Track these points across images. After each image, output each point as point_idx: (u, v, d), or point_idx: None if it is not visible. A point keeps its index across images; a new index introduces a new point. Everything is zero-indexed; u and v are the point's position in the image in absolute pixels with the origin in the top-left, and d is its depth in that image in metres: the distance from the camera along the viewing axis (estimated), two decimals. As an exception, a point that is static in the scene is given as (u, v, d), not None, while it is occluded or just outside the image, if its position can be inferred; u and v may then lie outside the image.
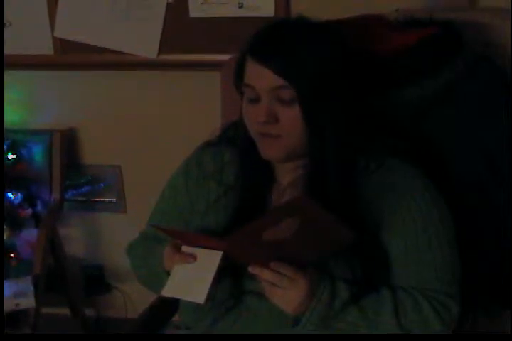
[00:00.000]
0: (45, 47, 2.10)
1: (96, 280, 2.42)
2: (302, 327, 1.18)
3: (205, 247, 1.21)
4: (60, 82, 2.20)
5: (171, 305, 1.51)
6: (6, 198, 2.16)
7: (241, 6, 1.94)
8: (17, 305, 1.95)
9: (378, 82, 1.36)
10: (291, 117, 1.21)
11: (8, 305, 1.93)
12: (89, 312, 2.47)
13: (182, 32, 1.99)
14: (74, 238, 2.39)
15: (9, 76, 2.16)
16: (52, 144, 2.18)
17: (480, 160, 1.44)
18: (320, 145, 1.22)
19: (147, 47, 2.02)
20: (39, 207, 2.22)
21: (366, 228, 1.23)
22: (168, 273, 1.26)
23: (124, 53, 2.05)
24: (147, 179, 2.16)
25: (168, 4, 1.97)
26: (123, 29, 2.03)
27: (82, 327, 2.39)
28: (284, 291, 1.16)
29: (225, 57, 1.67)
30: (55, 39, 2.09)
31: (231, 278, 1.28)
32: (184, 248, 1.24)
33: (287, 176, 1.32)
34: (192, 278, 1.20)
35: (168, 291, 1.23)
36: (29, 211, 2.20)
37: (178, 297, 1.26)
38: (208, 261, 1.20)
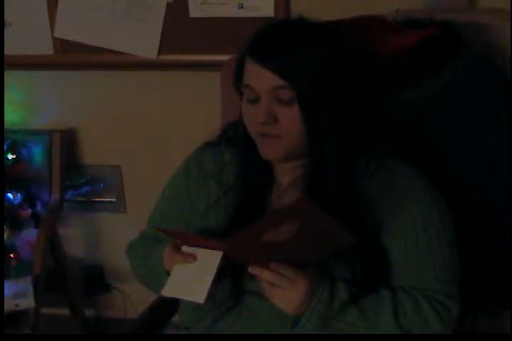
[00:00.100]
0: (45, 48, 2.10)
1: (96, 280, 2.42)
2: (302, 327, 1.19)
3: (204, 248, 1.21)
4: (60, 82, 2.20)
5: (171, 305, 1.51)
6: (5, 198, 2.16)
7: (241, 7, 1.94)
8: (17, 305, 1.95)
9: (378, 83, 1.36)
10: (291, 117, 1.21)
11: (8, 306, 1.93)
12: (88, 312, 2.47)
13: (182, 32, 1.99)
14: (74, 238, 2.39)
15: (9, 76, 2.16)
16: (52, 144, 2.18)
17: (480, 160, 1.44)
18: (319, 145, 1.22)
19: (147, 47, 2.02)
20: (39, 207, 2.22)
21: (366, 228, 1.23)
22: (168, 273, 1.26)
23: (123, 53, 2.04)
24: (147, 179, 2.17)
25: (168, 4, 1.97)
26: (123, 29, 2.03)
27: (82, 327, 2.38)
28: (283, 291, 1.16)
29: (225, 57, 1.67)
30: (55, 39, 2.09)
31: (231, 278, 1.28)
32: (184, 248, 1.24)
33: (287, 176, 1.32)
34: (192, 278, 1.20)
35: (168, 291, 1.23)
36: (29, 211, 2.20)
37: (178, 297, 1.26)
38: (208, 261, 1.20)
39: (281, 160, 1.28)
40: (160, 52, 2.02)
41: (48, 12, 2.07)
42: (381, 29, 1.46)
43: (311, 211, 1.06)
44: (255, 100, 1.23)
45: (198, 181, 1.40)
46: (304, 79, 1.18)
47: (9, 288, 1.96)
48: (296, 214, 1.08)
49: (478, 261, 1.44)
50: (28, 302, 1.97)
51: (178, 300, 1.37)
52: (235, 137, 1.38)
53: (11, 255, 2.17)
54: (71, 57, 2.10)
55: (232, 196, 1.34)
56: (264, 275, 1.15)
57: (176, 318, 1.52)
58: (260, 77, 1.20)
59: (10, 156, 2.17)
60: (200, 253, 1.21)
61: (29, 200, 2.20)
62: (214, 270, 1.19)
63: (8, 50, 2.10)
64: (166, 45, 2.01)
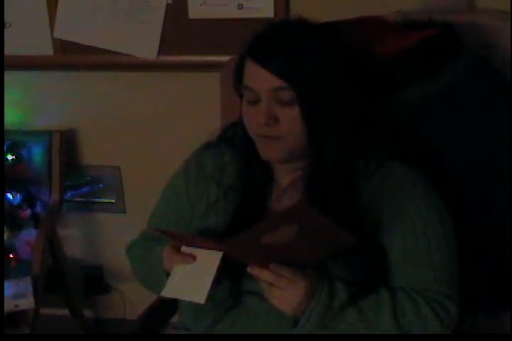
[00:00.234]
0: (44, 48, 2.10)
1: (95, 280, 2.42)
2: (301, 327, 1.19)
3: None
4: (60, 83, 2.20)
5: (171, 305, 1.51)
6: (5, 199, 2.16)
7: (240, 7, 1.94)
8: (16, 305, 1.95)
9: (378, 83, 1.36)
10: (291, 118, 1.21)
11: (8, 306, 1.93)
12: (88, 312, 2.47)
13: (181, 33, 1.99)
14: (73, 238, 2.39)
15: (9, 76, 2.16)
16: (51, 145, 2.17)
17: (480, 160, 1.45)
18: (320, 146, 1.23)
19: (146, 48, 2.02)
20: (38, 208, 2.21)
21: (365, 228, 1.23)
22: (167, 274, 1.26)
23: (123, 54, 2.04)
24: (146, 180, 2.17)
25: (167, 5, 1.97)
26: (122, 30, 2.03)
27: (81, 327, 2.38)
28: (282, 292, 1.16)
29: (225, 58, 1.67)
30: (54, 40, 2.08)
31: (231, 278, 1.28)
32: (183, 248, 1.24)
33: (287, 177, 1.32)
34: (192, 278, 1.20)
35: (168, 292, 1.23)
36: (28, 211, 2.20)
37: (178, 297, 1.26)
38: (208, 262, 1.20)
39: (282, 162, 1.28)
40: (159, 53, 2.02)
41: (47, 13, 2.06)
42: (381, 30, 1.46)
43: (310, 213, 1.06)
44: (255, 101, 1.23)
45: (198, 181, 1.40)
46: (304, 80, 1.18)
47: (9, 288, 1.96)
48: (295, 217, 1.08)
49: (478, 261, 1.44)
50: (27, 303, 1.97)
51: (177, 300, 1.37)
52: (234, 138, 1.38)
53: (11, 255, 2.16)
54: (71, 57, 2.10)
55: (232, 196, 1.34)
56: (263, 275, 1.15)
57: (175, 318, 1.52)
58: (260, 78, 1.21)
59: (10, 157, 2.17)
60: (200, 253, 1.21)
61: (29, 201, 2.20)
62: (214, 270, 1.19)
63: (8, 50, 2.10)
64: (165, 45, 2.01)
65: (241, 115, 1.28)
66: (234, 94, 1.31)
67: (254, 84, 1.22)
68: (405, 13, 1.58)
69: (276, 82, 1.19)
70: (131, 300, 2.37)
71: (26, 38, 2.11)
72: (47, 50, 2.10)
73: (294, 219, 1.08)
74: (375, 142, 1.29)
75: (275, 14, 1.91)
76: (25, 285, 1.99)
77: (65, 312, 2.35)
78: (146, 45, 2.02)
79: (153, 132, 2.19)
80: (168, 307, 1.54)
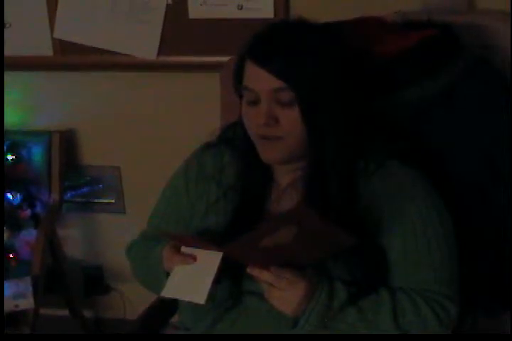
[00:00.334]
0: (44, 48, 2.10)
1: (95, 280, 2.41)
2: (301, 328, 1.19)
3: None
4: (60, 83, 2.20)
5: (170, 305, 1.51)
6: (5, 199, 2.16)
7: (240, 8, 1.94)
8: (16, 305, 1.95)
9: (378, 83, 1.36)
10: (291, 119, 1.21)
11: (8, 306, 1.93)
12: (88, 312, 2.47)
13: (181, 33, 1.99)
14: (73, 239, 2.39)
15: (9, 76, 2.16)
16: (51, 145, 2.18)
17: (480, 160, 1.45)
18: (320, 146, 1.23)
19: (146, 48, 2.02)
20: (38, 208, 2.21)
21: (365, 229, 1.23)
22: (167, 274, 1.26)
23: (123, 54, 2.04)
24: (146, 180, 2.17)
25: (167, 5, 1.97)
26: (122, 30, 2.03)
27: (81, 327, 2.38)
28: (282, 293, 1.16)
29: (225, 58, 1.67)
30: (54, 40, 2.09)
31: (231, 278, 1.28)
32: (183, 248, 1.24)
33: (286, 177, 1.32)
34: (192, 278, 1.20)
35: (168, 292, 1.23)
36: (28, 212, 2.20)
37: (178, 298, 1.26)
38: (208, 262, 1.20)
39: (282, 163, 1.29)
40: (159, 53, 2.02)
41: (47, 13, 2.07)
42: (381, 30, 1.46)
43: (309, 215, 1.06)
44: (255, 102, 1.23)
45: (198, 182, 1.40)
46: (304, 81, 1.18)
47: (9, 288, 1.96)
48: (294, 219, 1.08)
49: (478, 261, 1.44)
50: (27, 303, 1.97)
51: (177, 300, 1.37)
52: (234, 138, 1.38)
53: (11, 255, 2.16)
54: (71, 58, 2.10)
55: (232, 196, 1.34)
56: (263, 276, 1.15)
57: (175, 318, 1.52)
58: (260, 79, 1.20)
59: (10, 157, 2.17)
60: (200, 254, 1.21)
61: (29, 201, 2.20)
62: (214, 270, 1.18)
63: (8, 50, 2.10)
64: (165, 46, 2.01)
65: (241, 115, 1.28)
66: (234, 94, 1.31)
67: (254, 84, 1.22)
68: (405, 13, 1.58)
69: (276, 82, 1.19)
70: (131, 300, 2.37)
71: (26, 38, 2.11)
72: (47, 50, 2.10)
73: (293, 221, 1.08)
74: (375, 142, 1.29)
75: (275, 14, 1.91)
76: (25, 285, 1.99)
77: (65, 312, 2.35)
78: (146, 45, 2.02)
79: (153, 132, 2.19)
80: (168, 307, 1.53)
